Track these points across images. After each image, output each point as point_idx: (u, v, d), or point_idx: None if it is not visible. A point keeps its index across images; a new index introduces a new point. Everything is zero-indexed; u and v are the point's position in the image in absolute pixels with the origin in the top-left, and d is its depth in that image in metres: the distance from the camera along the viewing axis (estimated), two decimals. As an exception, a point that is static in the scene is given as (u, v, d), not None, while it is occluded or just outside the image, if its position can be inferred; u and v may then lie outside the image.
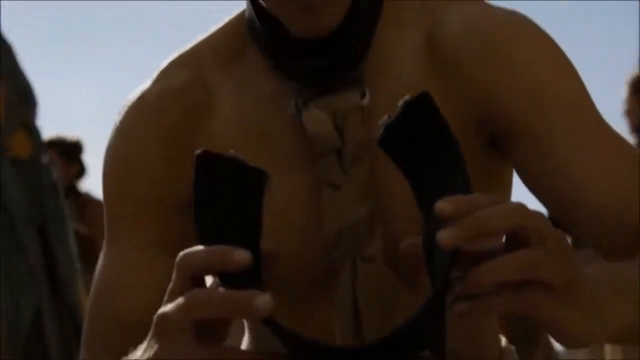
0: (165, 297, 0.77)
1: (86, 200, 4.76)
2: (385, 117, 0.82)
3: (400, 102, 0.81)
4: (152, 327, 0.77)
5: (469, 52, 1.00)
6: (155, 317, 0.76)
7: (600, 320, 0.78)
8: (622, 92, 3.49)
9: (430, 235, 0.79)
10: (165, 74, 1.06)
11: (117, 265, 1.03)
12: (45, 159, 2.80)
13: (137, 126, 1.04)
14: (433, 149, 0.81)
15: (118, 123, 1.06)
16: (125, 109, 1.06)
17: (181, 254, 0.76)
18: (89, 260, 4.56)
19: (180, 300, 0.74)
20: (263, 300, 0.72)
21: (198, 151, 0.80)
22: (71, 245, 2.80)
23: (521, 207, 0.74)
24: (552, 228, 0.75)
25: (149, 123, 1.04)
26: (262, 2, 0.98)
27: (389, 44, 1.02)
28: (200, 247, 0.75)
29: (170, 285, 0.77)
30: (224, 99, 1.03)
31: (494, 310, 0.73)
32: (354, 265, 0.98)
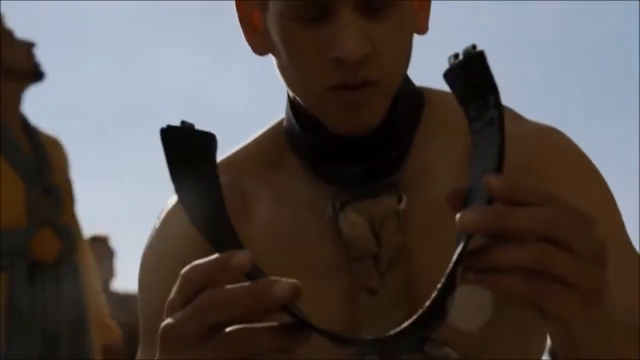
0: (165, 310, 0.76)
1: (122, 295, 4.83)
2: (452, 55, 0.82)
3: (464, 48, 0.81)
4: (159, 341, 0.75)
5: (505, 169, 1.00)
6: (160, 328, 0.75)
7: (608, 341, 0.77)
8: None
9: (471, 191, 0.78)
10: None
11: None
12: (77, 260, 2.69)
13: (173, 231, 1.06)
14: (480, 105, 0.81)
15: (156, 227, 1.08)
16: (163, 213, 1.08)
17: (183, 271, 0.74)
18: (133, 348, 4.61)
19: (193, 305, 0.72)
20: (281, 286, 0.70)
21: (163, 126, 0.81)
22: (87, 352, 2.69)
23: (559, 218, 0.71)
24: (590, 238, 0.72)
25: (185, 228, 1.05)
26: (301, 102, 0.99)
27: (427, 150, 1.03)
28: (201, 262, 0.73)
29: (170, 296, 0.75)
30: (261, 205, 1.04)
31: (501, 286, 0.71)
32: None
